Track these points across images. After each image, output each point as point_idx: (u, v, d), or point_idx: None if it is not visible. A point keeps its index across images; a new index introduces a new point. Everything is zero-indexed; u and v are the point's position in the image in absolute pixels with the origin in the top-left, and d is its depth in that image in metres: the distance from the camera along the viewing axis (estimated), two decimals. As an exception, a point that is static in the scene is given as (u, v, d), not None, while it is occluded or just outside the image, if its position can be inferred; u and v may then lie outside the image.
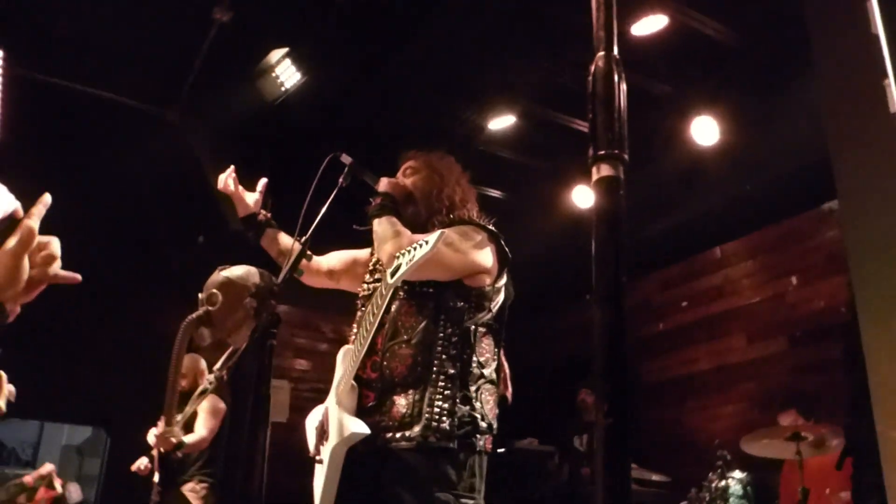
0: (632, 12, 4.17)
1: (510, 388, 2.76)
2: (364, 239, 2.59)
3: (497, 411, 2.37)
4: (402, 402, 2.24)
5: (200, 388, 4.41)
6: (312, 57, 4.74)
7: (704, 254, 6.56)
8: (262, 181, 2.76)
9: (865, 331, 2.56)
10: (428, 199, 2.53)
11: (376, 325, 2.30)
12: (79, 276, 1.29)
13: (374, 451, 2.22)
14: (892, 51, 2.06)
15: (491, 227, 2.48)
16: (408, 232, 2.37)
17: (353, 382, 2.30)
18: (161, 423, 4.06)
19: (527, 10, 4.42)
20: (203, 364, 4.77)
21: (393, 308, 2.36)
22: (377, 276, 2.54)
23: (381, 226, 2.41)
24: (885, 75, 2.14)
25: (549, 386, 6.60)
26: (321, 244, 2.60)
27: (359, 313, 2.51)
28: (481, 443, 2.27)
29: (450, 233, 2.31)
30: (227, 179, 2.72)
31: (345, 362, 2.39)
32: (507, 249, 2.45)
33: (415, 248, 2.09)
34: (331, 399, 2.37)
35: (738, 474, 4.23)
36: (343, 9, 4.29)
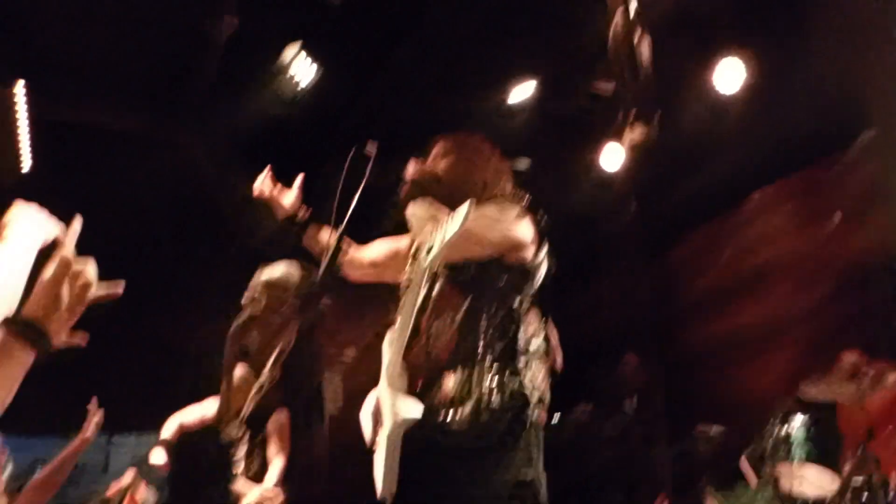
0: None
1: (560, 357, 2.74)
2: (397, 228, 2.59)
3: (548, 382, 2.41)
4: (450, 384, 2.24)
5: (257, 385, 4.45)
6: (323, 54, 4.74)
7: (743, 203, 6.42)
8: (299, 178, 2.73)
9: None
10: (459, 183, 2.48)
11: (416, 307, 2.29)
12: (120, 286, 1.31)
13: (428, 433, 2.22)
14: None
15: (527, 199, 2.45)
16: (446, 208, 2.33)
17: (402, 365, 2.30)
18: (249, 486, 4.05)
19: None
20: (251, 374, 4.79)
21: (435, 290, 2.36)
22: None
23: (418, 208, 2.40)
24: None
25: (594, 351, 6.57)
26: (356, 236, 2.61)
27: (402, 301, 2.52)
28: (534, 416, 2.26)
29: (485, 207, 2.29)
30: (262, 184, 2.71)
31: (391, 348, 2.38)
32: (544, 221, 2.43)
33: (444, 225, 2.06)
34: (382, 384, 2.37)
35: (800, 418, 4.17)
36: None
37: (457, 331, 2.28)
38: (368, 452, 2.42)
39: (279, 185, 2.73)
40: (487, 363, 2.25)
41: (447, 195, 2.44)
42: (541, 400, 2.30)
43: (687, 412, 5.50)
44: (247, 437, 4.27)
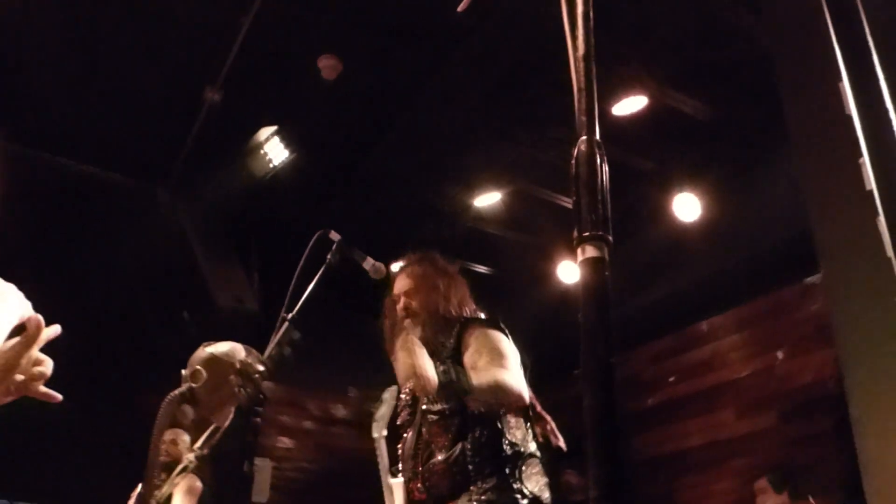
0: (612, 93, 4.28)
1: (560, 438, 2.86)
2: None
3: (546, 479, 2.57)
4: None
5: (181, 466, 4.28)
6: (301, 136, 4.83)
7: (692, 327, 6.55)
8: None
9: (854, 405, 2.55)
10: (434, 319, 2.71)
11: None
12: (59, 397, 1.30)
13: None
14: (866, 131, 2.12)
15: (488, 317, 2.73)
16: (418, 329, 2.63)
17: None
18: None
19: (510, 91, 4.54)
20: (186, 439, 4.65)
21: (424, 430, 2.57)
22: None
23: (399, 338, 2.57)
24: (860, 154, 2.21)
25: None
26: (309, 320, 2.60)
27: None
28: None
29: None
30: None
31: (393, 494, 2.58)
32: (508, 333, 2.66)
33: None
34: None
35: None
36: (332, 89, 4.40)
37: (447, 467, 2.49)
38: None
39: None
40: (479, 484, 2.46)
41: (422, 321, 2.71)
42: (536, 499, 2.48)
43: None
44: None
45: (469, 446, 2.48)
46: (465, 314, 2.74)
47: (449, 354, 2.57)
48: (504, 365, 2.48)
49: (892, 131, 2.09)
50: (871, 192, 2.01)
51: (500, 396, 2.42)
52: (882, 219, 1.96)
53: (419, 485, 2.53)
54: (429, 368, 2.37)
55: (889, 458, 2.36)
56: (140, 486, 3.76)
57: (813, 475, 4.72)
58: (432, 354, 2.51)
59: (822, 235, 2.98)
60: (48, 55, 4.37)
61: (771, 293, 5.95)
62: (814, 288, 5.50)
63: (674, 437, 6.47)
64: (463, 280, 2.89)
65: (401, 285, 2.82)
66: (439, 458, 2.50)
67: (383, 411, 2.52)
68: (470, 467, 2.46)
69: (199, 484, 4.42)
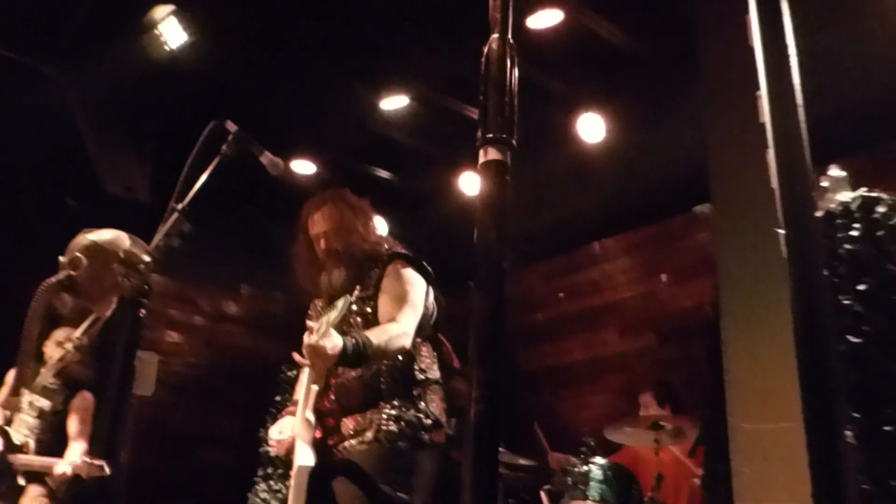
0: (529, 3, 4.21)
1: (456, 359, 3.03)
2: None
3: (445, 406, 2.77)
4: (359, 420, 2.66)
5: (60, 355, 4.10)
6: (204, 19, 4.55)
7: (584, 248, 6.76)
8: None
9: (726, 330, 2.71)
10: (356, 257, 2.84)
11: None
12: None
13: (333, 463, 2.61)
14: (766, 64, 2.18)
15: (409, 253, 2.86)
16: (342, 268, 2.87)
17: (309, 417, 2.56)
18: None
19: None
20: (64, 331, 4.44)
21: None
22: None
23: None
24: (758, 87, 2.27)
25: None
26: (202, 213, 2.51)
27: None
28: (427, 438, 2.65)
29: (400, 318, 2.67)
30: None
31: (301, 403, 2.63)
32: (429, 269, 2.86)
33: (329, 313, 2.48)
34: (295, 430, 2.64)
35: (599, 460, 4.37)
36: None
37: (360, 385, 2.67)
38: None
39: None
40: (389, 399, 2.66)
41: (345, 260, 2.86)
42: (436, 423, 2.68)
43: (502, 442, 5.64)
44: (42, 408, 3.90)
45: (384, 368, 2.67)
46: (386, 248, 2.89)
47: (373, 285, 2.77)
48: (401, 313, 2.65)
49: (790, 66, 2.15)
50: (763, 124, 2.08)
51: (388, 353, 2.60)
52: (771, 151, 2.04)
53: (331, 396, 2.67)
54: None
55: (752, 379, 2.54)
56: (12, 372, 3.59)
57: (687, 393, 5.04)
58: (359, 284, 2.68)
59: (714, 164, 3.09)
60: None
61: (661, 220, 6.18)
62: (702, 217, 5.74)
63: (559, 351, 6.75)
64: (374, 213, 3.03)
65: (319, 227, 2.90)
66: (353, 374, 2.67)
67: (332, 317, 2.46)
68: (382, 387, 2.66)
69: (91, 398, 4.20)
